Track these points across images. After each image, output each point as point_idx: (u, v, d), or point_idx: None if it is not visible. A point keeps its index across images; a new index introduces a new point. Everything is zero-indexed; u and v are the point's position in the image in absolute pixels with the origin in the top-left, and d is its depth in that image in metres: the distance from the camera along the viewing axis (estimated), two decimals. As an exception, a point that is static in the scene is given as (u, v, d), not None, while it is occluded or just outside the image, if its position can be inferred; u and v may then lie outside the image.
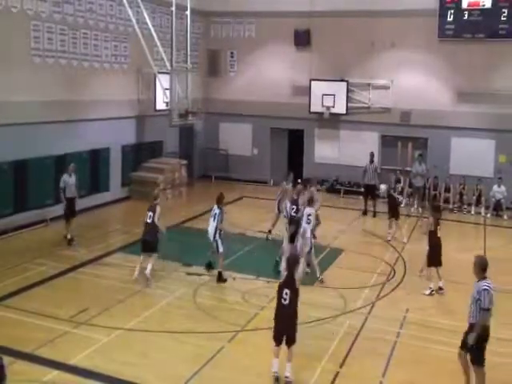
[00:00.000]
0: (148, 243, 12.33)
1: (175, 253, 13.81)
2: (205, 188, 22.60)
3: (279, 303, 8.41)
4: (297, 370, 8.76)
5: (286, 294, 8.30)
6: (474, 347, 7.84)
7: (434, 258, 12.21)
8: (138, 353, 9.23)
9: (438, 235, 12.33)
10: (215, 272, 12.71)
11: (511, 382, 8.93)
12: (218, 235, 12.49)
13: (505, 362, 9.35)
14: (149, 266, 12.11)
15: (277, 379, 8.38)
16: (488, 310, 7.72)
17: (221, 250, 12.51)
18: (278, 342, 8.43)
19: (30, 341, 9.35)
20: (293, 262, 8.42)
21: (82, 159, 17.66)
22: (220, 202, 12.71)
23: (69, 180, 14.75)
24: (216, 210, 12.59)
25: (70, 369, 8.63)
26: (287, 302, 8.30)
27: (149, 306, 11.00)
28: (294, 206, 13.59)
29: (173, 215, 17.76)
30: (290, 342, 8.39)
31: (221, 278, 12.51)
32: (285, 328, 8.40)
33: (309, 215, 12.76)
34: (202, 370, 8.76)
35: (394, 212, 16.13)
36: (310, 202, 13.07)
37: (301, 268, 8.41)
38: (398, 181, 20.99)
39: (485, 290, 7.76)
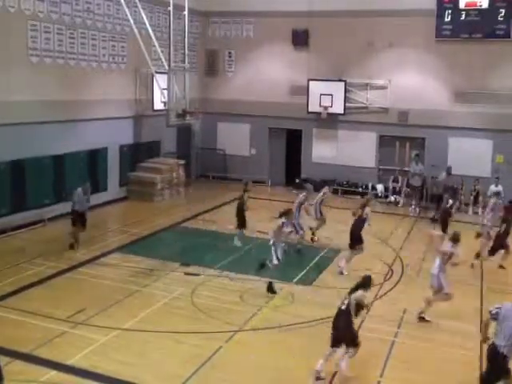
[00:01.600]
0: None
1: (173, 252, 13.80)
2: (203, 188, 22.62)
3: (339, 306, 8.62)
4: (295, 370, 8.78)
5: (346, 299, 8.51)
6: None
7: None
8: (135, 353, 9.23)
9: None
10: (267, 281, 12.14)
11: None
12: (272, 241, 11.97)
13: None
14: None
15: (317, 378, 8.48)
16: None
17: (271, 259, 11.82)
18: (331, 343, 8.51)
19: (28, 341, 9.34)
20: (361, 282, 8.67)
21: (80, 159, 17.63)
22: (285, 214, 12.45)
23: (82, 196, 14.32)
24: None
25: (67, 369, 8.62)
26: (344, 307, 8.48)
27: (146, 306, 10.99)
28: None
29: (170, 215, 17.77)
30: (346, 343, 8.41)
31: (270, 289, 11.90)
32: (336, 330, 8.47)
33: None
34: (199, 370, 8.76)
35: None
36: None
37: (358, 294, 8.48)
38: (395, 180, 21.11)
39: None
